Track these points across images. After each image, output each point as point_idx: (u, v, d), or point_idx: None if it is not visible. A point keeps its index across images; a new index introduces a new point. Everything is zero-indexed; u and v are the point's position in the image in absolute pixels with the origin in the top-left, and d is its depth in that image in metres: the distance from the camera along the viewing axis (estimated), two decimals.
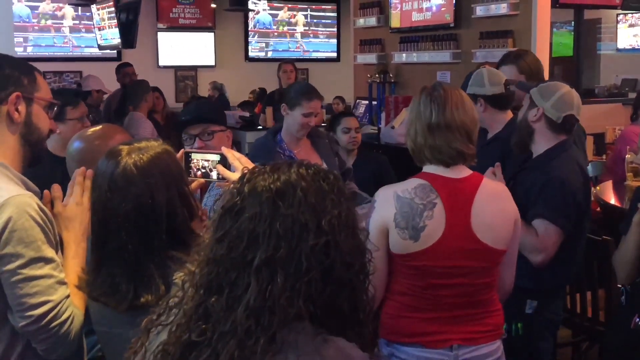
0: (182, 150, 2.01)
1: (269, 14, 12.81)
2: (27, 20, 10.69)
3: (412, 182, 2.29)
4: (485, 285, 2.30)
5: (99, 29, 9.25)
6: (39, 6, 10.88)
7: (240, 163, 1.91)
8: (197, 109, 3.20)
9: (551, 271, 2.81)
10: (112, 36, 8.74)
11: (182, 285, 1.29)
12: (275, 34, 12.91)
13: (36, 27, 10.88)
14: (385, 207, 2.26)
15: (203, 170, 2.01)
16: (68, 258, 1.86)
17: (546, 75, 5.65)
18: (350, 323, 1.24)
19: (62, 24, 11.14)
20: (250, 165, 1.87)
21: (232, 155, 1.94)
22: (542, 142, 2.89)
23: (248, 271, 1.17)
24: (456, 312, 2.27)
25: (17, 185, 1.80)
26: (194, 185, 1.99)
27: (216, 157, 2.00)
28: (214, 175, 2.00)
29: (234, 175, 1.87)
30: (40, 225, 1.73)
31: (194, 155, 2.03)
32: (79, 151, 2.25)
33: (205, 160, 2.01)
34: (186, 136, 2.80)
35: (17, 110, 1.85)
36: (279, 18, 12.90)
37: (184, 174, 1.85)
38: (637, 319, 2.49)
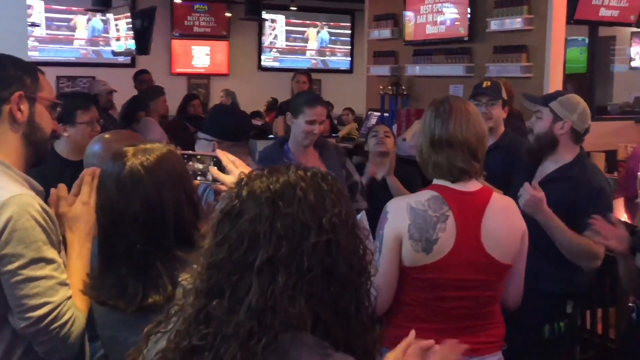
0: (178, 152, 2.02)
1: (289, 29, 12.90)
2: (43, 26, 10.80)
3: (425, 194, 2.28)
4: (490, 298, 2.32)
5: (116, 39, 9.33)
6: (55, 16, 11.02)
7: (235, 166, 1.92)
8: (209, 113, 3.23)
9: (581, 274, 3.01)
10: (127, 44, 8.81)
11: (183, 293, 1.28)
12: (291, 50, 13.01)
13: (51, 34, 10.99)
14: (399, 218, 2.25)
15: (198, 173, 2.03)
16: (72, 259, 1.85)
17: None
18: (354, 326, 1.23)
19: (74, 34, 11.26)
20: (245, 168, 1.89)
21: (227, 158, 1.94)
22: (564, 153, 3.06)
23: (250, 273, 1.16)
24: (461, 323, 2.27)
25: (20, 185, 1.78)
26: None
27: (211, 160, 2.02)
28: (209, 177, 2.02)
29: (228, 178, 1.88)
30: (42, 226, 1.72)
31: (189, 157, 2.04)
32: (104, 150, 2.28)
33: (201, 163, 2.03)
34: None
35: (19, 109, 1.84)
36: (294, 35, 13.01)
37: (188, 174, 1.86)
38: None
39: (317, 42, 13.24)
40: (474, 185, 2.30)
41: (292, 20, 12.95)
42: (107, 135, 2.42)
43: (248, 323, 1.14)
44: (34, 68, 1.93)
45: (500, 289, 2.34)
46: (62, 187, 1.93)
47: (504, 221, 2.30)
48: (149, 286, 1.66)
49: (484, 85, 3.77)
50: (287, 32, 12.97)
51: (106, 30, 10.34)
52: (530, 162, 3.17)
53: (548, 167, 3.10)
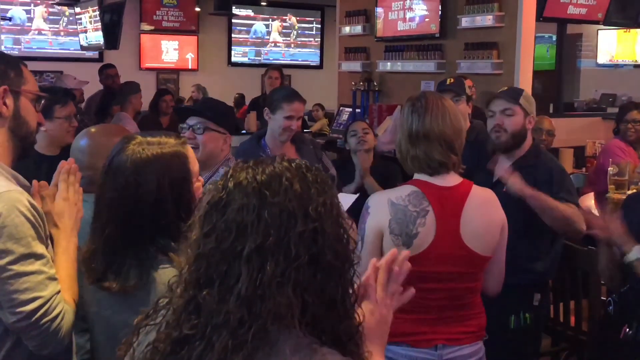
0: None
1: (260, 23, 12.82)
2: (7, 20, 10.62)
3: (406, 189, 2.32)
4: (470, 289, 2.37)
5: (82, 32, 9.19)
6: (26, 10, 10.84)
7: None
8: (204, 102, 3.18)
9: (547, 266, 3.16)
10: (96, 38, 8.70)
11: (170, 286, 1.29)
12: (261, 42, 12.95)
13: (16, 28, 10.81)
14: (380, 213, 2.29)
15: None
16: (58, 254, 1.85)
17: (529, 89, 5.73)
18: (340, 314, 1.25)
19: (43, 26, 11.09)
20: None
21: None
22: (525, 146, 3.19)
23: (238, 262, 1.18)
24: (442, 314, 2.32)
25: (8, 181, 1.77)
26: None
27: None
28: None
29: None
30: (31, 221, 1.71)
31: None
32: (90, 145, 2.30)
33: None
34: (184, 125, 2.85)
35: (4, 104, 1.82)
36: (262, 29, 12.95)
37: (188, 176, 1.82)
38: (627, 329, 2.51)
39: (289, 37, 13.21)
40: (453, 179, 2.34)
41: (261, 15, 12.89)
42: (93, 130, 2.41)
43: (238, 311, 1.16)
44: (17, 61, 1.91)
45: (480, 280, 2.38)
46: (43, 184, 1.93)
47: (483, 215, 2.34)
48: (110, 270, 1.71)
49: (447, 82, 3.87)
50: (257, 27, 12.91)
51: (74, 24, 10.19)
52: (500, 155, 3.25)
53: (506, 161, 3.19)
